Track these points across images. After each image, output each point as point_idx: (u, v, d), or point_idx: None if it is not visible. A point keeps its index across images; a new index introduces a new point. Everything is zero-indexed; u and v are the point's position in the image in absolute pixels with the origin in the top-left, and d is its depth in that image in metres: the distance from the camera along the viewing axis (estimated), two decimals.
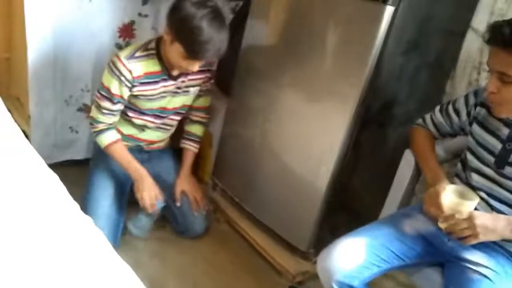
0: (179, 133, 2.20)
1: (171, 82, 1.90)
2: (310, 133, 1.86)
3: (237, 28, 2.12)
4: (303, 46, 1.83)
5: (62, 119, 2.25)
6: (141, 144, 2.09)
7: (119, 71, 1.78)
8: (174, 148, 2.25)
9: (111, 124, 1.93)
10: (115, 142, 1.94)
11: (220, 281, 1.92)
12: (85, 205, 1.87)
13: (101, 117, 1.90)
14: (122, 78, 1.79)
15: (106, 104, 1.86)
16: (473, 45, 1.95)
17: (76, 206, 1.30)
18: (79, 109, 2.28)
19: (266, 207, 2.08)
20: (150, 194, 1.91)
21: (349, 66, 1.70)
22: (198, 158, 2.62)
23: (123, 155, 1.96)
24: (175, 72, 1.87)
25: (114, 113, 1.90)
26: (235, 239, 2.20)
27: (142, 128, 2.02)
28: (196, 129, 2.17)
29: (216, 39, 1.66)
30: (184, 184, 2.09)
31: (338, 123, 1.75)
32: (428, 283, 1.53)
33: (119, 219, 1.97)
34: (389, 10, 1.57)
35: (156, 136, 2.09)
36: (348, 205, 1.96)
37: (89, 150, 2.30)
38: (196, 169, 2.62)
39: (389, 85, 1.76)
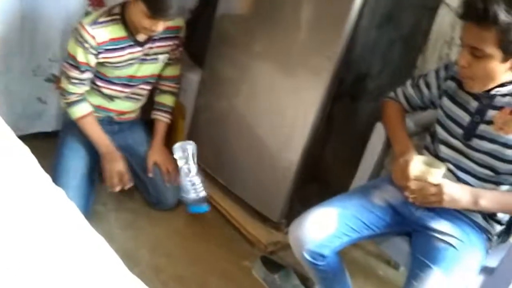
0: (150, 105, 2.17)
1: (138, 48, 1.86)
2: (283, 105, 1.86)
3: None
4: (278, 18, 1.82)
5: (29, 89, 2.18)
6: (111, 114, 2.05)
7: (83, 38, 1.74)
8: (145, 120, 2.22)
9: (82, 94, 1.90)
10: (87, 115, 1.92)
11: (193, 253, 1.94)
12: (56, 177, 1.83)
13: (71, 87, 1.86)
14: (86, 45, 1.75)
15: (74, 73, 1.82)
16: (445, 20, 1.97)
17: (47, 178, 1.28)
18: (47, 80, 2.21)
19: (238, 179, 2.09)
20: (119, 171, 1.89)
21: (324, 39, 1.71)
22: (171, 130, 2.60)
23: (94, 129, 1.93)
24: (141, 37, 1.84)
25: (84, 82, 1.87)
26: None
27: (111, 97, 1.99)
28: (166, 100, 2.15)
29: None
30: (156, 155, 2.08)
31: (311, 95, 1.76)
32: (396, 251, 1.58)
33: (90, 190, 1.94)
34: None
35: (126, 106, 2.06)
36: (320, 177, 1.99)
37: (59, 122, 2.24)
38: (169, 141, 2.61)
39: (363, 58, 1.77)
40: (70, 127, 1.98)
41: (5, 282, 0.89)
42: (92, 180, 1.97)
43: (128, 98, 2.03)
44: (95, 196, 1.99)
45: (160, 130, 2.13)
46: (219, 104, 2.12)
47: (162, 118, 2.13)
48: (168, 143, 2.27)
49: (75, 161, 1.94)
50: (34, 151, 1.39)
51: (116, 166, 1.91)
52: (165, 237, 1.99)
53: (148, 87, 2.06)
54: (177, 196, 2.12)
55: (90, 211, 1.94)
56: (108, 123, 2.05)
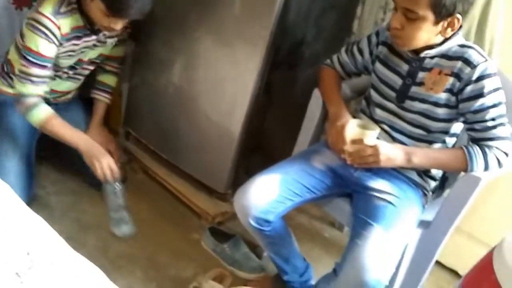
0: (88, 83, 2.10)
1: (93, 37, 1.79)
2: (222, 77, 1.86)
3: None
4: None
5: None
6: (48, 96, 1.95)
7: (46, 28, 1.63)
8: (83, 99, 2.14)
9: (40, 95, 1.75)
10: (51, 117, 1.76)
11: (139, 230, 1.91)
12: None
13: (30, 88, 1.71)
14: (50, 35, 1.64)
15: (35, 70, 1.68)
16: None
17: None
18: None
19: (182, 153, 2.08)
20: (107, 161, 1.78)
21: (257, 8, 1.70)
22: (108, 107, 2.53)
23: (65, 128, 1.78)
24: (98, 27, 1.76)
25: (45, 79, 1.73)
26: (152, 187, 2.20)
27: (51, 78, 1.89)
28: (109, 80, 2.07)
29: None
30: (95, 136, 1.98)
31: (249, 66, 1.76)
32: (338, 212, 1.64)
33: (29, 175, 1.86)
34: None
35: (65, 86, 1.97)
36: (263, 145, 2.02)
37: None
38: (107, 120, 2.54)
39: (297, 26, 1.79)
40: (1, 111, 1.88)
41: None
42: (30, 163, 1.88)
43: (69, 78, 1.94)
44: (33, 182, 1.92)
45: (100, 111, 2.05)
46: (156, 78, 2.08)
47: (102, 98, 2.06)
48: (106, 121, 2.21)
49: (10, 145, 1.84)
50: None
51: (104, 160, 1.78)
52: (108, 217, 1.96)
53: (91, 67, 1.98)
54: (120, 174, 2.08)
55: (31, 194, 1.87)
56: None
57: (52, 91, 1.95)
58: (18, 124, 1.88)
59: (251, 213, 1.43)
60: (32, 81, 1.70)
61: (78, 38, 1.75)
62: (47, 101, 1.93)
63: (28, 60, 1.67)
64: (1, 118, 1.89)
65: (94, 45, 1.85)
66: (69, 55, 1.79)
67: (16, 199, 1.11)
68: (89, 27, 1.75)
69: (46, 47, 1.66)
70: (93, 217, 1.92)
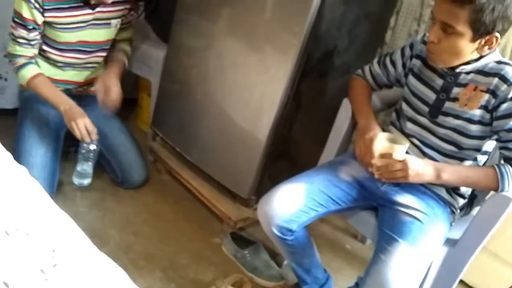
0: None
1: (88, 11, 1.83)
2: (251, 82, 1.85)
3: None
4: None
5: None
6: (69, 87, 2.00)
7: None
8: None
9: (31, 57, 1.86)
10: (37, 74, 1.85)
11: (161, 231, 1.93)
12: (17, 156, 1.79)
13: (18, 49, 1.82)
14: (33, 1, 1.70)
15: (20, 32, 1.78)
16: None
17: (9, 155, 1.24)
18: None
19: (207, 156, 2.08)
20: (84, 120, 1.82)
21: (291, 15, 1.69)
22: (137, 108, 2.56)
23: (48, 87, 1.87)
24: (92, 0, 1.81)
25: (32, 42, 1.82)
26: (176, 189, 2.21)
27: (66, 66, 1.95)
28: (122, 46, 2.10)
29: None
30: (106, 76, 1.97)
31: (279, 72, 1.75)
32: (363, 225, 1.62)
33: (54, 168, 1.90)
34: None
35: (83, 76, 2.02)
36: (288, 153, 2.01)
37: None
38: (136, 119, 2.57)
39: (330, 34, 1.77)
40: (28, 104, 1.93)
41: None
42: (56, 159, 1.92)
43: (84, 67, 1.99)
44: (60, 175, 1.95)
45: (116, 62, 2.05)
46: (186, 81, 2.09)
47: (118, 55, 2.07)
48: (135, 120, 2.24)
49: (36, 140, 1.88)
50: None
51: (81, 121, 1.82)
52: (133, 216, 1.98)
53: (104, 54, 2.02)
54: (144, 174, 2.10)
55: (55, 190, 1.91)
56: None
57: (72, 82, 2.00)
58: (45, 118, 1.93)
59: (274, 222, 1.42)
60: (19, 43, 1.81)
61: (71, 9, 1.79)
62: (70, 94, 1.97)
63: (14, 21, 1.78)
64: (29, 112, 1.93)
65: (95, 24, 1.88)
66: (65, 28, 1.83)
67: (43, 195, 1.12)
68: None
69: (27, 11, 1.73)
70: (117, 215, 1.94)
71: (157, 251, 1.82)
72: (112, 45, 2.07)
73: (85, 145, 1.85)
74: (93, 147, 1.85)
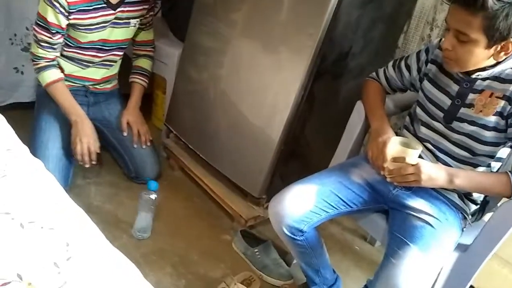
0: (127, 78, 2.16)
1: (111, 11, 1.86)
2: (265, 82, 1.86)
3: None
4: None
5: (6, 59, 2.14)
6: (86, 83, 2.03)
7: (57, 1, 1.72)
8: (123, 94, 2.20)
9: (52, 60, 1.89)
10: (57, 80, 1.90)
11: (172, 227, 1.95)
12: (33, 149, 1.82)
13: (40, 52, 1.85)
14: (57, 5, 1.73)
15: (44, 36, 1.81)
16: (428, 0, 1.98)
17: (25, 149, 1.27)
18: (24, 49, 2.17)
19: (220, 154, 2.09)
20: (89, 141, 1.87)
21: (307, 16, 1.70)
22: (152, 104, 2.58)
23: (64, 95, 1.91)
24: (114, 0, 1.84)
25: (54, 46, 1.85)
26: (188, 185, 2.23)
27: (85, 64, 1.97)
28: (143, 63, 2.16)
29: None
30: (130, 115, 2.08)
31: (293, 73, 1.75)
32: (373, 228, 1.61)
33: (69, 162, 1.93)
34: None
35: (100, 74, 2.05)
36: (300, 154, 2.01)
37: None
38: (150, 116, 2.60)
39: (345, 36, 1.77)
40: (45, 98, 1.96)
41: None
42: (71, 153, 1.94)
43: (102, 65, 2.02)
44: (74, 169, 1.98)
45: (137, 93, 2.13)
46: (200, 79, 2.11)
47: (138, 81, 2.14)
48: (149, 116, 2.26)
49: (52, 133, 1.92)
50: (11, 121, 1.37)
51: (85, 140, 1.87)
52: None
53: (121, 53, 2.06)
54: (156, 169, 2.12)
55: (70, 183, 1.93)
56: (83, 94, 2.04)
57: (88, 79, 2.03)
58: (58, 115, 1.95)
59: (285, 221, 1.43)
60: (42, 46, 1.84)
61: (94, 10, 1.82)
62: (87, 90, 2.01)
63: (38, 24, 1.80)
64: (46, 106, 1.97)
65: (116, 23, 1.91)
66: (88, 29, 1.85)
67: (58, 188, 1.15)
68: None
69: (52, 16, 1.76)
70: (130, 210, 1.96)
71: (168, 246, 1.84)
72: (135, 55, 2.14)
73: (145, 195, 1.82)
74: (153, 196, 1.83)
